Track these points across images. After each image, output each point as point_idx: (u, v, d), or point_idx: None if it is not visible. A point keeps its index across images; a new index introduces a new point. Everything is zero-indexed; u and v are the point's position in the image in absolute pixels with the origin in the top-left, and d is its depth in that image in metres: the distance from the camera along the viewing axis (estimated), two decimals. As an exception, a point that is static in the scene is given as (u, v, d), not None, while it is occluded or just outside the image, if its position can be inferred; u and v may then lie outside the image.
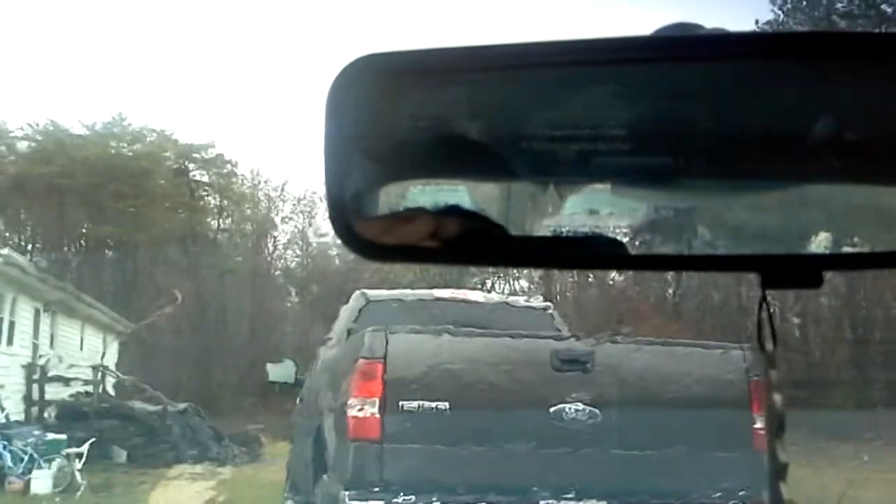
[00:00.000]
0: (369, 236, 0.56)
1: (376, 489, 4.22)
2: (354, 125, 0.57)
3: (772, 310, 0.60)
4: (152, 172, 27.28)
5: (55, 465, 10.56)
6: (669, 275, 25.89)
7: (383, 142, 0.59)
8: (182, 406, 14.78)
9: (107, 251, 27.06)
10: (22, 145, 26.88)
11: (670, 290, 25.22)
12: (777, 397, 0.59)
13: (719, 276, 24.91)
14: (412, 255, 0.61)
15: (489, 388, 4.42)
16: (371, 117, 0.57)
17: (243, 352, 22.69)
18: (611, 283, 25.85)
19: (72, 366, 15.19)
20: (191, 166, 28.74)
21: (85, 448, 11.37)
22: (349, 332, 5.77)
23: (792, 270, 0.57)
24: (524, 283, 25.78)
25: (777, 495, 0.56)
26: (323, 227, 35.75)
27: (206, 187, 29.10)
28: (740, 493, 4.23)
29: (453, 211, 0.58)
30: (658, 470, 4.18)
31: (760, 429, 4.43)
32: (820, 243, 0.55)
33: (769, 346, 0.58)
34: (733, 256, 0.61)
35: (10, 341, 14.07)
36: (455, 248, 0.58)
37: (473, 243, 0.59)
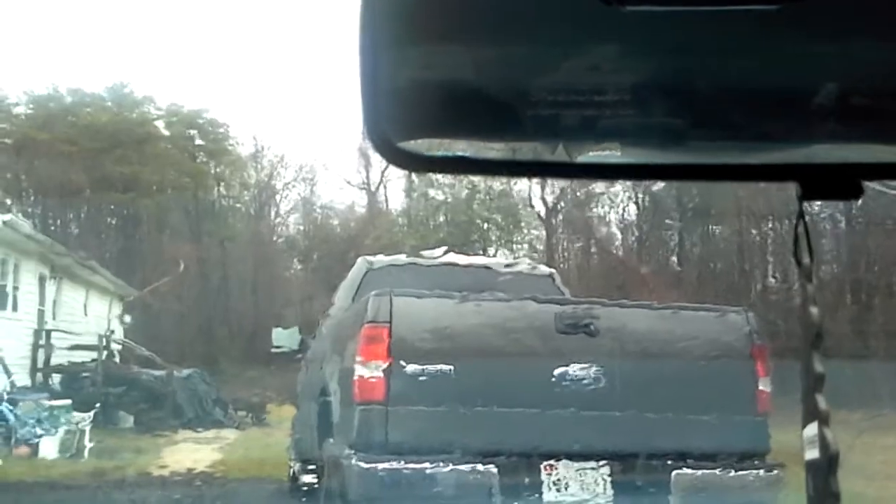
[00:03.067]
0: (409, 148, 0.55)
1: (382, 451, 4.26)
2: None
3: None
4: (154, 138, 27.20)
5: (62, 430, 10.66)
6: (672, 243, 25.91)
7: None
8: (187, 372, 14.88)
9: (109, 218, 27.08)
10: (23, 112, 26.77)
11: (673, 259, 25.25)
12: (814, 310, 0.60)
13: (721, 244, 24.89)
14: (446, 166, 0.60)
15: (493, 351, 4.44)
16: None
17: (247, 318, 22.81)
18: (613, 251, 25.88)
19: (76, 329, 15.26)
20: (192, 133, 28.65)
21: (91, 413, 11.48)
22: (354, 298, 5.79)
23: (831, 180, 0.56)
24: (526, 250, 25.80)
25: (813, 405, 0.57)
26: (325, 195, 35.66)
27: (208, 154, 29.03)
28: (744, 455, 4.27)
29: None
30: (661, 432, 4.21)
31: (764, 391, 4.46)
32: (860, 153, 0.54)
33: (806, 259, 0.58)
34: (772, 165, 0.59)
35: (14, 307, 14.12)
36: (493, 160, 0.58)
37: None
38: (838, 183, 0.56)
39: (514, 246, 26.39)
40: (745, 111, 0.56)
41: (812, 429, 0.58)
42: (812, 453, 0.58)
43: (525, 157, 0.60)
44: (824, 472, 0.56)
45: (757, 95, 0.56)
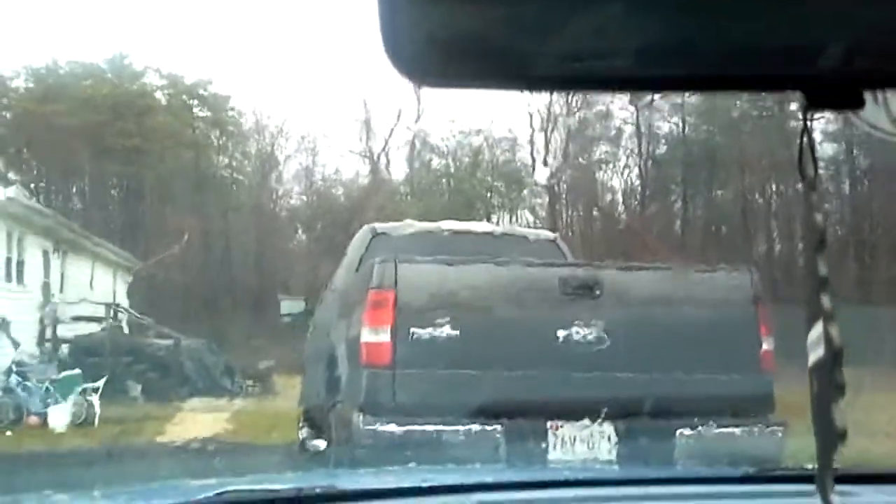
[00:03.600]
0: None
1: (389, 413, 4.31)
2: None
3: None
4: (155, 110, 27.12)
5: (71, 400, 10.77)
6: (675, 207, 25.86)
7: None
8: (194, 342, 14.98)
9: (112, 190, 27.08)
10: (22, 85, 26.66)
11: (677, 223, 25.23)
12: (818, 216, 0.61)
13: (723, 211, 24.84)
14: (462, 79, 0.60)
15: (498, 315, 4.48)
16: None
17: (251, 288, 22.88)
18: (616, 216, 25.85)
19: (83, 301, 15.33)
20: (193, 103, 28.54)
21: (100, 383, 11.58)
22: (358, 265, 5.82)
23: (836, 90, 0.57)
24: (529, 218, 25.79)
25: (818, 306, 0.58)
26: (327, 165, 35.55)
27: (209, 125, 28.95)
28: (748, 412, 4.32)
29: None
30: (666, 391, 4.25)
31: (768, 350, 4.50)
32: (864, 62, 0.55)
33: (810, 171, 0.60)
34: (776, 76, 0.60)
35: (20, 280, 14.19)
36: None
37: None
38: (843, 93, 0.57)
39: (518, 213, 26.38)
40: (749, 23, 0.56)
41: (817, 330, 0.59)
42: (816, 355, 0.60)
43: (541, 72, 0.61)
44: (829, 366, 0.58)
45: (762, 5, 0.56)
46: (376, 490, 1.13)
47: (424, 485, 1.13)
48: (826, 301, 0.58)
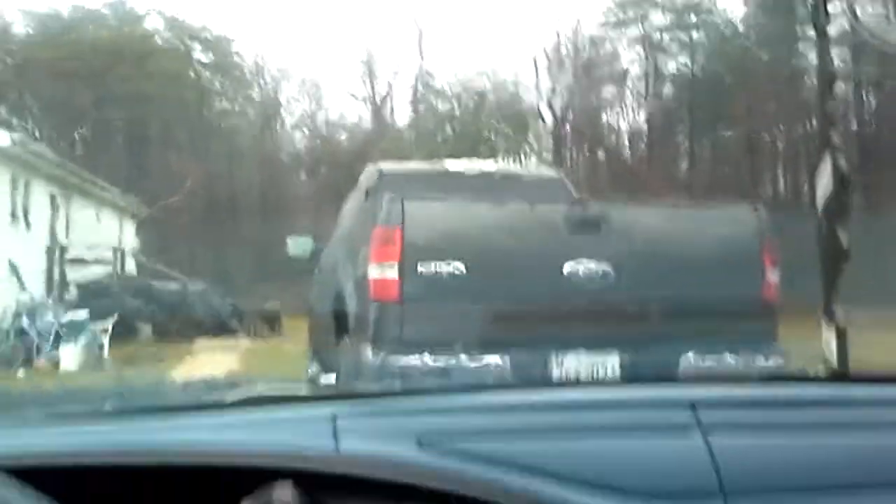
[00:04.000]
0: None
1: (397, 347, 4.39)
2: None
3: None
4: (157, 54, 26.84)
5: (81, 341, 10.90)
6: (682, 148, 25.71)
7: None
8: (202, 284, 15.09)
9: (115, 135, 26.97)
10: (23, 31, 26.37)
11: (683, 165, 25.09)
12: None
13: (730, 153, 24.66)
14: None
15: (504, 251, 4.52)
16: None
17: (257, 233, 22.95)
18: (622, 158, 25.71)
19: (91, 247, 15.41)
20: (195, 47, 28.23)
21: (109, 325, 11.73)
22: (365, 203, 5.85)
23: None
24: (535, 161, 25.66)
25: (826, 138, 0.60)
26: (330, 109, 35.26)
27: (212, 69, 28.68)
28: (752, 344, 4.38)
29: None
30: (671, 323, 4.31)
31: (772, 283, 4.55)
32: None
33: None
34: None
35: (27, 225, 14.25)
36: None
37: None
38: None
39: (523, 157, 26.25)
40: None
41: (826, 162, 0.61)
42: (824, 186, 0.62)
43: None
44: (837, 194, 0.60)
45: None
46: (393, 391, 1.17)
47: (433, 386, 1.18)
48: (836, 137, 0.60)
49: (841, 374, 1.46)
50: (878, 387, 1.30)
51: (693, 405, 1.11)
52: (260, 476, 0.66)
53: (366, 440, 0.84)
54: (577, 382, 1.10)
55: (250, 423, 0.89)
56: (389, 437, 0.83)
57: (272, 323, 15.57)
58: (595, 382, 1.33)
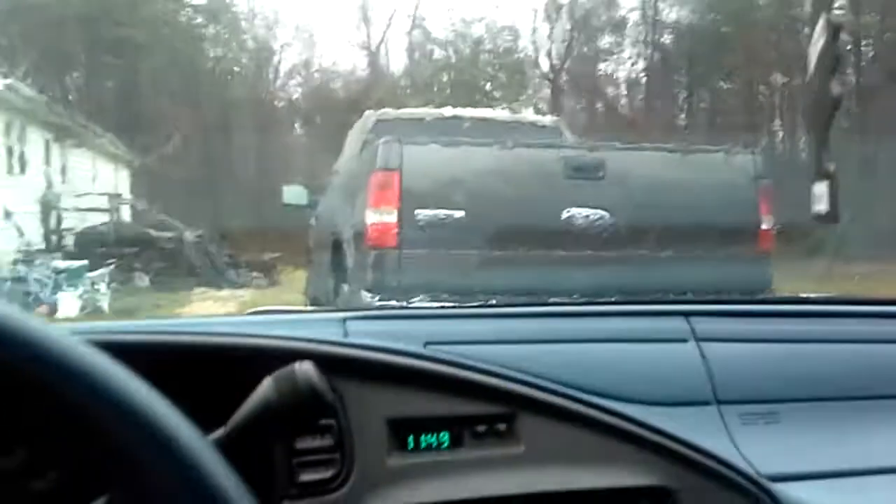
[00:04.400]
0: None
1: (396, 293, 4.41)
2: None
3: None
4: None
5: (80, 289, 10.92)
6: (680, 98, 25.55)
7: None
8: (198, 234, 15.07)
9: (107, 82, 26.66)
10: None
11: (682, 116, 24.97)
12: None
13: (728, 103, 24.51)
14: None
15: (503, 196, 4.52)
16: None
17: (252, 182, 22.87)
18: (620, 108, 25.56)
19: (86, 195, 15.35)
20: (187, -9, 27.74)
21: (107, 273, 11.74)
22: (362, 149, 5.82)
23: None
24: (531, 109, 25.47)
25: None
26: (324, 57, 34.77)
27: (204, 14, 28.22)
28: (747, 291, 4.43)
29: None
30: (667, 269, 4.35)
31: (768, 230, 4.57)
32: None
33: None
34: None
35: (22, 170, 14.17)
36: None
37: None
38: None
39: (519, 106, 26.04)
40: None
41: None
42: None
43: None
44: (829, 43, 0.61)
45: None
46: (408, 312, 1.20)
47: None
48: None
49: (835, 298, 1.49)
50: (872, 306, 1.33)
51: (687, 315, 1.13)
52: (276, 364, 0.69)
53: (375, 339, 0.87)
54: (577, 299, 1.13)
55: (266, 323, 0.91)
56: (397, 339, 0.86)
57: (269, 272, 15.59)
58: (594, 301, 1.36)
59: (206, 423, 0.61)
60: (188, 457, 0.51)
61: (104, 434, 0.50)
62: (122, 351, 0.54)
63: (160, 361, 0.54)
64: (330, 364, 0.73)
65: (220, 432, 0.64)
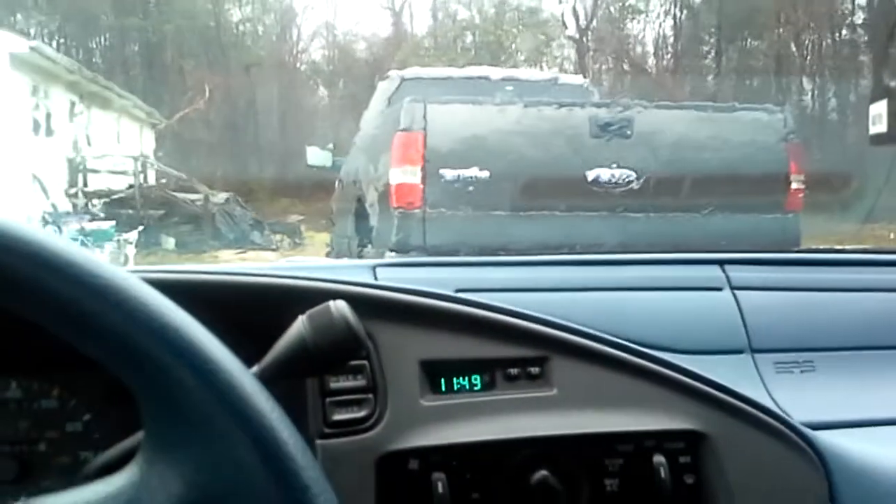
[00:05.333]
0: None
1: (420, 253, 4.41)
2: None
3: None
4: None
5: (108, 250, 11.04)
6: (709, 58, 25.11)
7: None
8: (223, 196, 15.14)
9: (132, 44, 26.68)
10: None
11: (709, 77, 24.55)
12: None
13: (759, 60, 24.05)
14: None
15: (529, 156, 4.48)
16: None
17: (276, 145, 22.90)
18: (647, 69, 25.19)
19: (111, 154, 15.44)
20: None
21: (134, 234, 11.86)
22: (387, 109, 5.79)
23: None
24: (556, 70, 25.15)
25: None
26: (348, 18, 34.52)
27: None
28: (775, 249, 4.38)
29: None
30: (695, 229, 4.30)
31: (798, 190, 4.51)
32: None
33: None
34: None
35: (48, 132, 14.28)
36: None
37: None
38: None
39: (545, 67, 25.73)
40: None
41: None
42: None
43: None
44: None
45: None
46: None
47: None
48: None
49: (871, 249, 1.47)
50: None
51: (722, 263, 1.12)
52: (310, 304, 0.68)
53: (404, 284, 0.87)
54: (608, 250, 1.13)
55: (297, 268, 0.92)
56: (427, 286, 0.86)
57: (293, 235, 15.66)
58: (626, 250, 1.35)
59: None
60: (227, 382, 0.51)
61: (143, 360, 0.51)
62: (156, 287, 0.54)
63: (189, 299, 0.54)
64: (362, 306, 0.72)
65: (253, 370, 0.64)
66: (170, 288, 0.55)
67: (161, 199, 14.38)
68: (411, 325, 0.82)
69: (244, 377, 0.53)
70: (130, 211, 13.42)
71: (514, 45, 26.75)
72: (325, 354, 0.66)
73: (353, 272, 1.00)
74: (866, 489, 0.84)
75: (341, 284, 0.81)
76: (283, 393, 0.58)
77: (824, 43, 22.53)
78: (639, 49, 26.51)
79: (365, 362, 0.80)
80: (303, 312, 0.68)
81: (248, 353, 0.61)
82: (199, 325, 0.53)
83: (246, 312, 0.72)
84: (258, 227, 15.37)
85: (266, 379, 0.61)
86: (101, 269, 0.51)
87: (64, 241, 0.51)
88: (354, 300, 0.70)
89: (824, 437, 0.85)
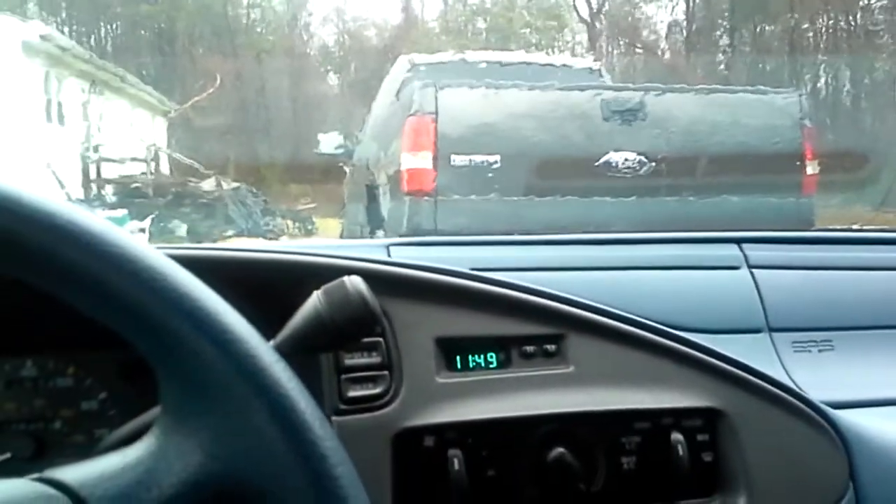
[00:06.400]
0: None
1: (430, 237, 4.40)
2: None
3: None
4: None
5: (121, 237, 11.08)
6: (721, 43, 24.92)
7: None
8: (235, 184, 15.17)
9: (143, 31, 26.71)
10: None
11: (721, 59, 24.38)
12: None
13: (773, 43, 23.83)
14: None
15: (540, 140, 4.46)
16: None
17: (287, 132, 22.90)
18: (660, 53, 25.04)
19: (123, 142, 15.49)
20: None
21: (147, 222, 11.90)
22: (397, 94, 5.77)
23: None
24: (568, 55, 25.04)
25: None
26: (358, 3, 34.36)
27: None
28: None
29: None
30: (708, 214, 4.28)
31: (812, 175, 4.47)
32: None
33: None
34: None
35: (61, 121, 14.33)
36: None
37: None
38: None
39: (557, 52, 25.60)
40: None
41: None
42: None
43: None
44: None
45: None
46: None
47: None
48: None
49: (887, 228, 1.46)
50: None
51: (739, 242, 1.11)
52: (325, 280, 0.68)
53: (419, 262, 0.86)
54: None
55: (312, 246, 0.91)
56: (441, 264, 0.85)
57: (304, 223, 15.69)
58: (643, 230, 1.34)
59: None
60: (246, 352, 0.50)
61: (161, 330, 0.50)
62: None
63: (204, 274, 0.53)
64: (377, 283, 0.72)
65: (269, 344, 0.64)
66: (186, 263, 0.54)
67: (173, 187, 14.43)
68: (426, 303, 0.81)
69: (262, 347, 0.53)
70: (143, 199, 13.46)
71: (526, 30, 26.62)
72: (340, 329, 0.65)
73: (368, 251, 1.00)
74: (887, 468, 0.83)
75: (356, 261, 0.81)
76: (299, 369, 0.58)
77: (839, 26, 22.32)
78: (651, 33, 26.34)
79: (380, 339, 0.79)
80: (318, 288, 0.68)
81: (264, 329, 0.61)
82: (216, 296, 0.53)
83: (261, 288, 0.72)
84: (269, 214, 15.40)
85: (282, 353, 0.60)
86: (117, 239, 0.51)
87: (79, 210, 0.51)
88: (369, 277, 0.69)
89: (844, 416, 0.85)
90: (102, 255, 0.49)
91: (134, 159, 15.15)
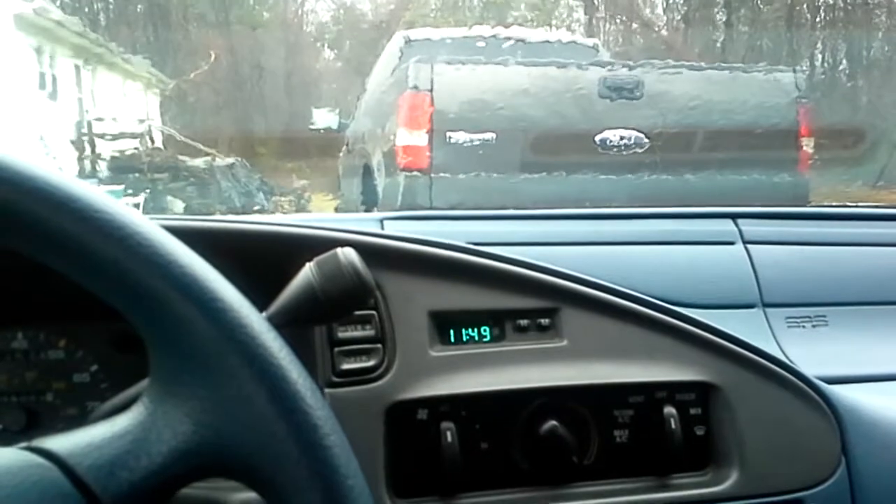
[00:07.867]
0: None
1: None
2: None
3: None
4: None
5: (115, 213, 11.05)
6: (719, 20, 24.80)
7: None
8: (229, 160, 15.10)
9: (136, 6, 26.46)
10: None
11: (719, 37, 24.26)
12: None
13: (769, 26, 23.74)
14: None
15: (537, 117, 4.45)
16: None
17: (282, 108, 22.78)
18: (657, 32, 24.91)
19: (117, 117, 15.40)
20: None
21: (141, 198, 11.86)
22: (393, 70, 5.74)
23: None
24: (565, 34, 24.89)
25: None
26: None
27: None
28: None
29: None
30: (705, 192, 4.28)
31: (807, 151, 4.47)
32: None
33: None
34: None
35: (54, 96, 14.23)
36: None
37: None
38: None
39: (553, 29, 25.44)
40: None
41: None
42: None
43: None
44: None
45: None
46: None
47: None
48: None
49: (883, 205, 1.46)
50: None
51: (734, 217, 1.11)
52: (318, 252, 0.67)
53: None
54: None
55: (305, 219, 0.91)
56: (436, 237, 0.85)
57: (300, 199, 15.65)
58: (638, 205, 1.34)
59: None
60: (236, 320, 0.50)
61: (150, 297, 0.50)
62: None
63: (196, 245, 0.53)
64: (371, 255, 0.71)
65: (262, 315, 0.63)
66: (177, 234, 0.54)
67: (167, 163, 14.35)
68: (420, 276, 0.81)
69: (253, 316, 0.52)
70: (137, 175, 13.39)
71: (522, 6, 26.45)
72: (333, 301, 0.65)
73: (361, 224, 1.00)
74: (879, 443, 0.84)
75: (349, 234, 0.80)
76: (292, 341, 0.58)
77: (836, 4, 22.22)
78: (648, 10, 26.18)
79: (373, 312, 0.79)
80: (310, 260, 0.67)
81: (256, 301, 0.61)
82: (207, 265, 0.52)
83: (253, 260, 0.71)
84: (264, 190, 15.34)
85: (274, 325, 0.60)
86: (105, 205, 0.50)
87: (67, 177, 0.50)
88: (363, 249, 0.69)
89: (837, 391, 0.85)
90: (90, 221, 0.49)
91: (127, 135, 15.06)
